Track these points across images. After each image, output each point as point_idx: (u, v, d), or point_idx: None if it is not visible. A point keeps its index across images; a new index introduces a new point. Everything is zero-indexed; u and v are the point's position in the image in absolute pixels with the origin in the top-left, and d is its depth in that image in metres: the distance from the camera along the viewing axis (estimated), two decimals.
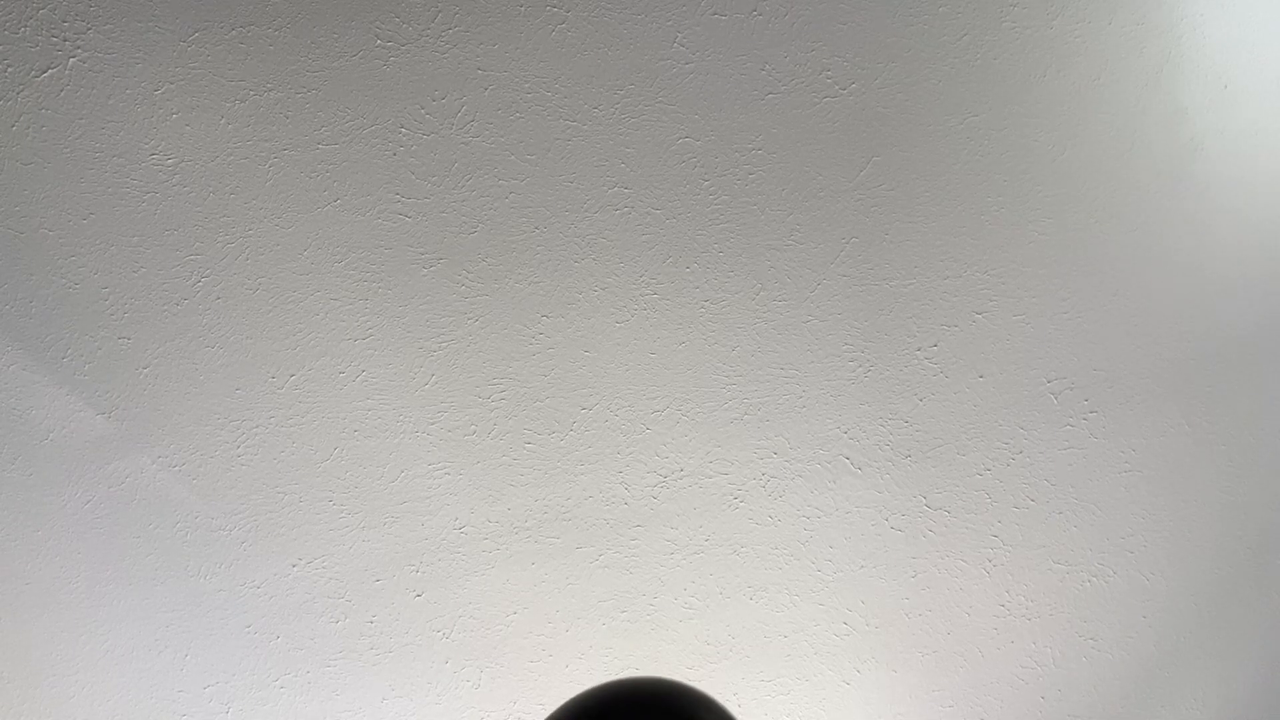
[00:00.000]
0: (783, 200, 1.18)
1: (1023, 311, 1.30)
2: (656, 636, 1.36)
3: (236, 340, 1.12)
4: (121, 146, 1.01)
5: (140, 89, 0.99)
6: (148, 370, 1.12)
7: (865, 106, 1.16)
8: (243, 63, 1.00)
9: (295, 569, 1.24)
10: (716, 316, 1.22)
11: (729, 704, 1.41)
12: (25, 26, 0.95)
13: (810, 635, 1.40)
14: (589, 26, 1.06)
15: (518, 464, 1.24)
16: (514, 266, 1.15)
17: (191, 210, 1.05)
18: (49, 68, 0.97)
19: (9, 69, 0.96)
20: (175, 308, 1.09)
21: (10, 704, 1.25)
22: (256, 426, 1.16)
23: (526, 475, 1.25)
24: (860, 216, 1.21)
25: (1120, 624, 1.51)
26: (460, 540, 1.26)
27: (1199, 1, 1.22)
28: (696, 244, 1.18)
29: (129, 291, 1.08)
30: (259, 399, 1.15)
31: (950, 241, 1.24)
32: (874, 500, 1.35)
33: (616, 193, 1.14)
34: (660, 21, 1.07)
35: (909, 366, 1.29)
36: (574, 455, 1.25)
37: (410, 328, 1.15)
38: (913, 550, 1.39)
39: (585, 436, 1.24)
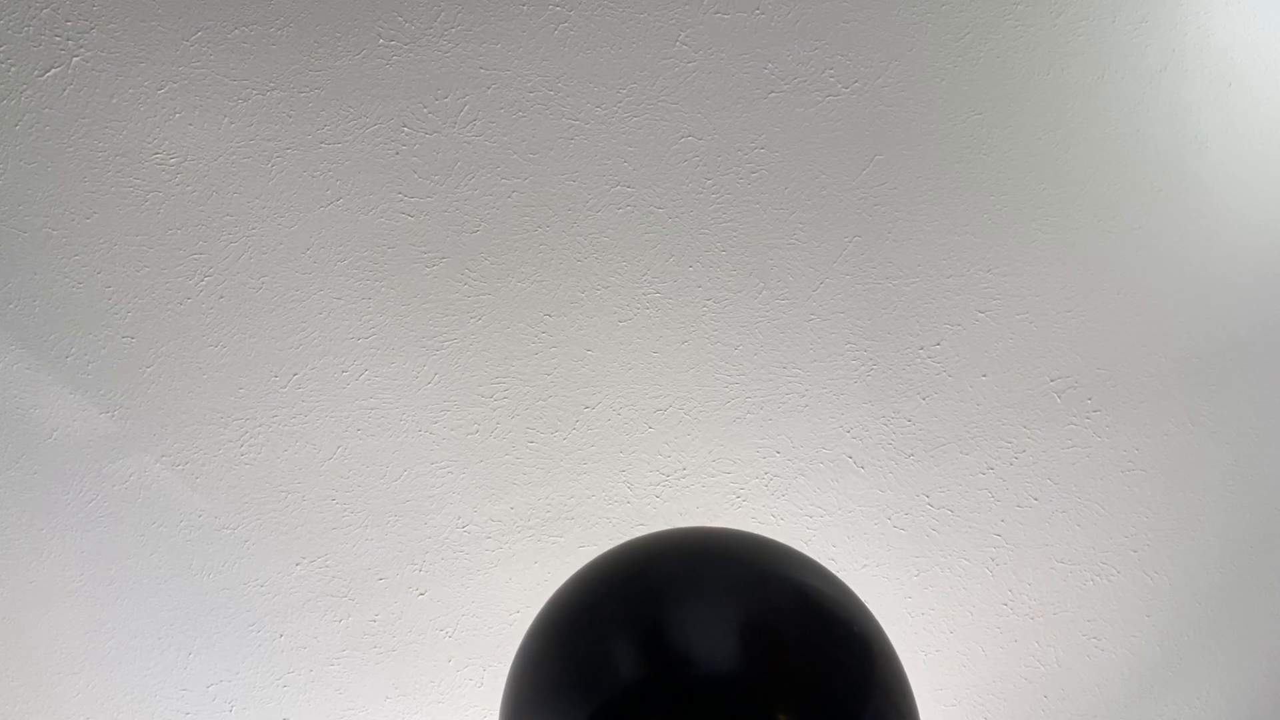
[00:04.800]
0: (785, 199, 1.18)
1: (1026, 310, 1.30)
2: None
3: (239, 339, 1.12)
4: (124, 146, 1.01)
5: (143, 88, 0.99)
6: (151, 369, 1.12)
7: (868, 105, 1.16)
8: (245, 62, 1.00)
9: (298, 568, 1.24)
10: (719, 315, 1.22)
11: None
12: (29, 26, 0.95)
13: None
14: (591, 25, 1.06)
15: (520, 463, 1.24)
16: (516, 265, 1.15)
17: (194, 209, 1.06)
18: (52, 67, 0.97)
19: (12, 68, 0.96)
20: (178, 307, 1.10)
21: (13, 703, 1.25)
22: (259, 425, 1.16)
23: (529, 474, 1.25)
24: (863, 215, 1.21)
25: (1124, 623, 1.51)
26: (463, 539, 1.26)
27: None
28: (699, 243, 1.18)
29: (132, 291, 1.08)
30: (262, 398, 1.15)
31: (953, 240, 1.24)
32: (877, 499, 1.35)
33: (619, 191, 1.14)
34: (663, 20, 1.07)
35: (912, 365, 1.29)
36: (577, 454, 1.25)
37: (413, 327, 1.15)
38: (915, 549, 1.39)
39: (588, 435, 1.24)
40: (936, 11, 1.13)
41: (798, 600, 0.49)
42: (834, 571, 1.37)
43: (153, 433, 1.14)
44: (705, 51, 1.09)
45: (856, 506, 1.35)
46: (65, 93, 0.98)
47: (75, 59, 0.97)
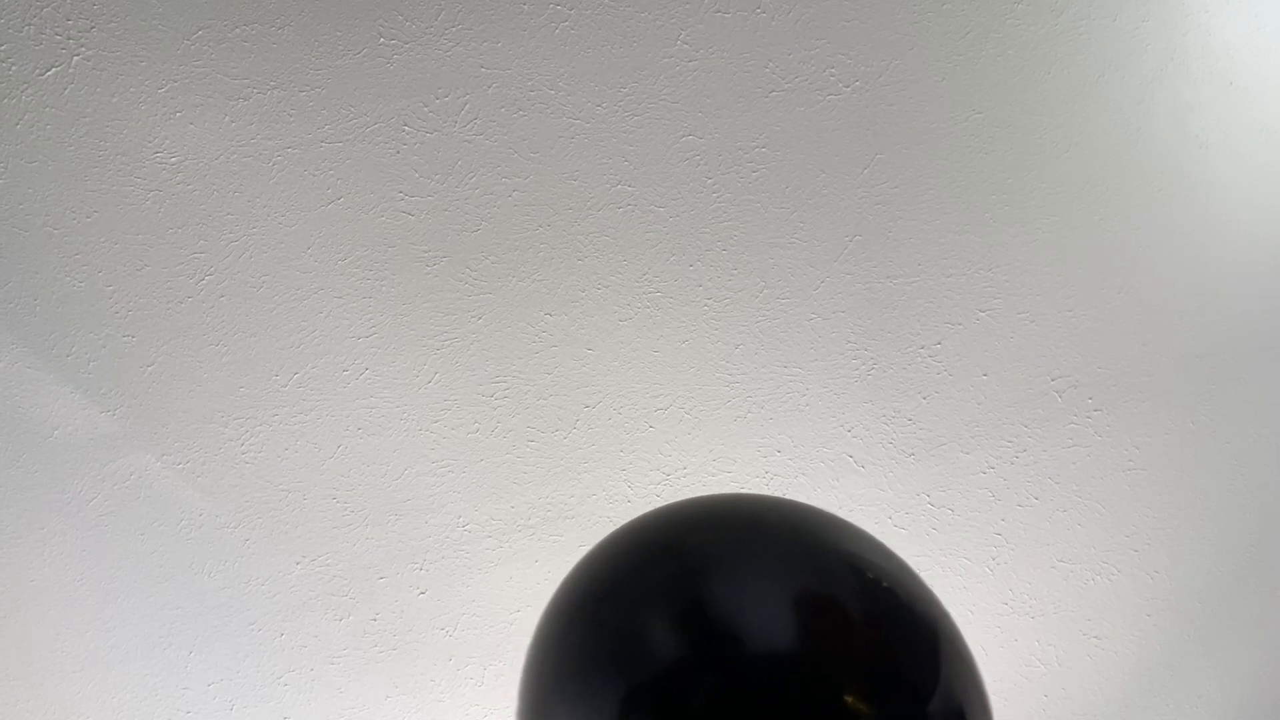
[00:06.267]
0: (786, 198, 1.18)
1: (1026, 309, 1.30)
2: None
3: (240, 338, 1.12)
4: (125, 145, 1.01)
5: (144, 87, 0.99)
6: (151, 368, 1.12)
7: (869, 104, 1.16)
8: (246, 61, 1.00)
9: (299, 566, 1.24)
10: (719, 314, 1.22)
11: None
12: (29, 25, 0.95)
13: None
14: (592, 24, 1.06)
15: (521, 462, 1.24)
16: (517, 264, 1.15)
17: (195, 208, 1.06)
18: (53, 66, 0.97)
19: (13, 67, 0.96)
20: (179, 306, 1.10)
21: (15, 702, 1.25)
22: (260, 424, 1.16)
23: (530, 473, 1.25)
24: (863, 214, 1.21)
25: (1124, 622, 1.51)
26: (463, 538, 1.26)
27: None
28: (699, 242, 1.18)
29: (133, 290, 1.08)
30: (262, 397, 1.15)
31: (954, 239, 1.24)
32: (877, 498, 1.35)
33: (619, 190, 1.14)
34: (664, 19, 1.07)
35: (912, 364, 1.29)
36: (577, 453, 1.25)
37: (413, 326, 1.15)
38: (916, 548, 1.39)
39: (588, 434, 1.24)
40: (937, 11, 1.13)
41: (858, 573, 0.44)
42: None
43: (153, 432, 1.14)
44: (706, 50, 1.09)
45: (857, 506, 1.35)
46: (66, 91, 0.98)
47: (76, 58, 0.97)
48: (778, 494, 1.32)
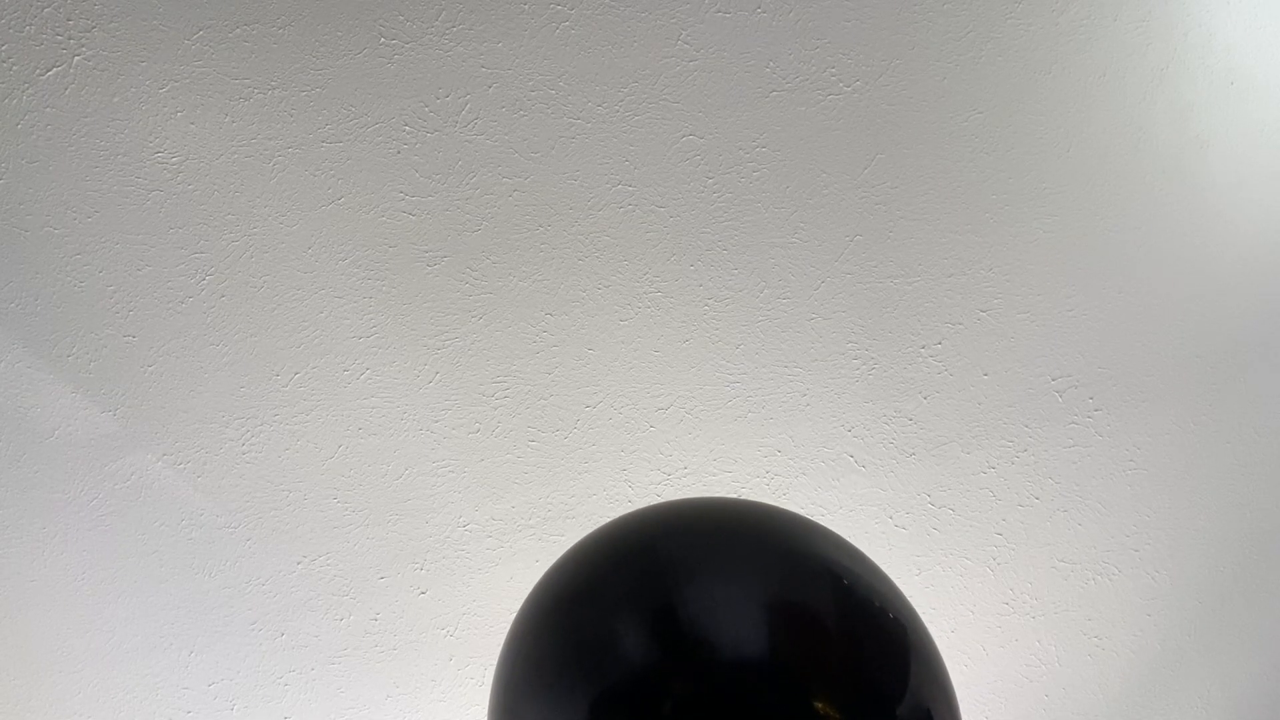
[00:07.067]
0: (786, 198, 1.18)
1: (1027, 309, 1.30)
2: None
3: (240, 338, 1.12)
4: (126, 145, 1.01)
5: (144, 87, 0.99)
6: (152, 368, 1.12)
7: (869, 104, 1.16)
8: (246, 61, 1.00)
9: (300, 566, 1.24)
10: (720, 314, 1.22)
11: None
12: (30, 25, 0.95)
13: None
14: (592, 24, 1.06)
15: (521, 462, 1.24)
16: (517, 264, 1.15)
17: (195, 208, 1.06)
18: (54, 66, 0.97)
19: (14, 67, 0.96)
20: (179, 306, 1.10)
21: (15, 702, 1.25)
22: (261, 424, 1.16)
23: (530, 473, 1.25)
24: (864, 214, 1.21)
25: (1124, 622, 1.51)
26: (464, 538, 1.26)
27: None
28: (700, 242, 1.18)
29: (133, 289, 1.08)
30: (263, 397, 1.15)
31: (954, 239, 1.24)
32: (878, 498, 1.35)
33: (620, 190, 1.14)
34: (664, 19, 1.07)
35: (913, 364, 1.29)
36: (578, 453, 1.25)
37: (414, 326, 1.15)
38: (917, 548, 1.39)
39: (589, 434, 1.24)
40: (938, 11, 1.13)
41: (829, 579, 0.44)
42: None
43: (154, 432, 1.14)
44: (706, 51, 1.09)
45: (858, 505, 1.35)
46: (67, 91, 0.98)
47: (77, 58, 0.97)
48: (779, 494, 1.32)
